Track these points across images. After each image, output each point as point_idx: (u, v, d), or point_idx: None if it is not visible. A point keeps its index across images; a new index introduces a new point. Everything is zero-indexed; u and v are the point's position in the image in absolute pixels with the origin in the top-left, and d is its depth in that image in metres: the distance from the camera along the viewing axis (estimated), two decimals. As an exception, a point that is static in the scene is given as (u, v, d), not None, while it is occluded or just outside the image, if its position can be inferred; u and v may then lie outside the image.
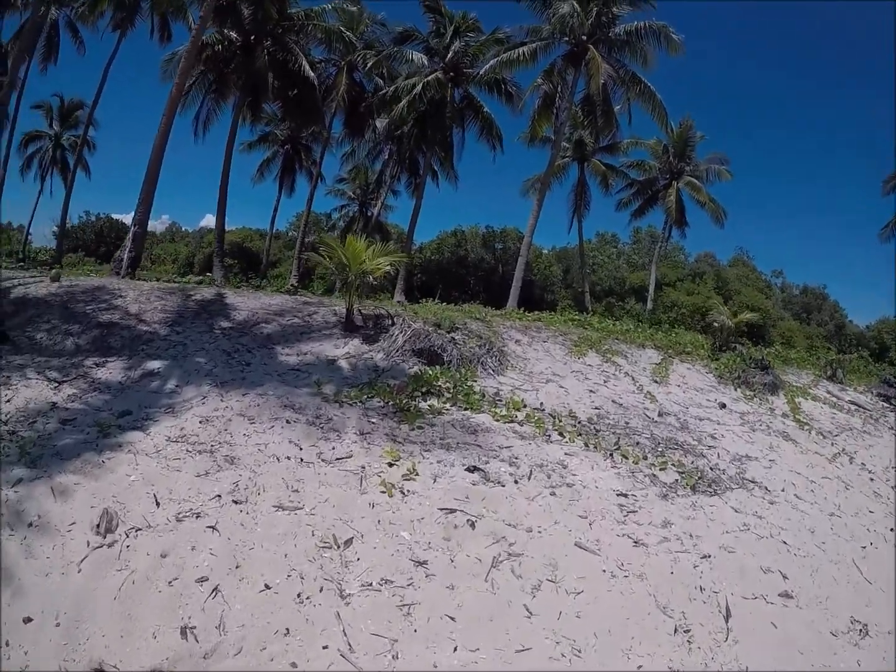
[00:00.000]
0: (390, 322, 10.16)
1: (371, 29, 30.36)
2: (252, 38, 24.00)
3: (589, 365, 10.64)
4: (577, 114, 29.88)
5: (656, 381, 10.50)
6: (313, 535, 4.71)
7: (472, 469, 5.94)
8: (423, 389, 7.83)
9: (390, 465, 5.79)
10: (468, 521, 5.01)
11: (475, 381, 8.67)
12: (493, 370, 9.37)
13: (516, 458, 6.35)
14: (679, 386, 10.58)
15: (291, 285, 21.86)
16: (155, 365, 8.13)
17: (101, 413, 6.76)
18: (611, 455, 6.84)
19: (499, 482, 5.76)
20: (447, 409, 7.53)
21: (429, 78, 27.17)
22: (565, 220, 42.54)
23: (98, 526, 4.64)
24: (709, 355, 12.69)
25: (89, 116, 33.68)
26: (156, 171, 15.51)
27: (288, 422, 6.47)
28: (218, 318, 10.01)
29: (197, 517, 4.83)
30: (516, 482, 5.82)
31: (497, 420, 7.40)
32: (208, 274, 24.90)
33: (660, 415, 8.82)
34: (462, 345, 9.57)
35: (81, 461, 5.53)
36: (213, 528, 4.71)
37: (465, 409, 7.62)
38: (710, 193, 37.11)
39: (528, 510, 5.34)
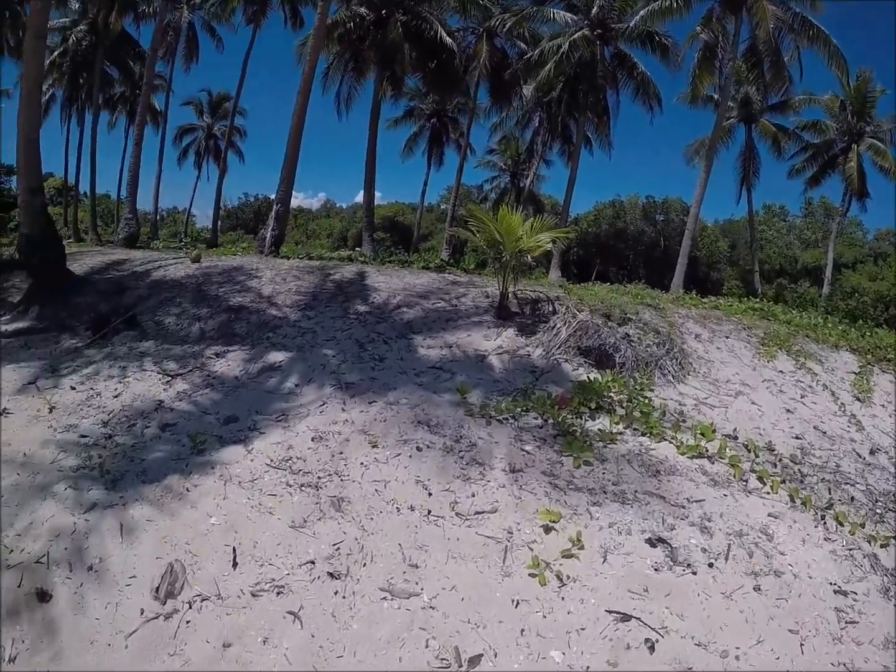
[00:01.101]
0: (551, 309, 8.23)
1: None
2: (383, 11, 22.63)
3: (780, 371, 8.06)
4: (741, 68, 26.04)
5: (858, 399, 7.76)
6: (428, 645, 3.17)
7: (656, 542, 4.06)
8: (592, 404, 5.89)
9: (546, 529, 4.02)
10: (646, 640, 3.26)
11: (652, 391, 6.60)
12: (673, 376, 7.16)
13: (709, 521, 4.41)
14: (884, 406, 7.77)
15: (441, 259, 20.52)
16: (277, 357, 6.83)
17: (205, 417, 5.66)
18: (822, 519, 4.74)
19: (688, 564, 3.89)
20: (621, 434, 5.57)
21: (575, 36, 24.53)
22: (730, 189, 38.10)
23: (158, 588, 3.53)
24: (916, 365, 9.49)
25: (234, 106, 34.76)
26: (295, 151, 14.57)
27: (419, 448, 4.83)
28: (355, 301, 8.58)
29: (279, 593, 3.46)
30: (711, 565, 3.93)
31: (683, 454, 5.36)
32: (358, 249, 24.33)
33: (871, 452, 6.31)
34: (637, 343, 7.44)
35: (163, 488, 4.49)
36: (295, 614, 3.33)
37: (644, 433, 5.61)
38: (896, 158, 31.21)
39: (726, 618, 3.51)
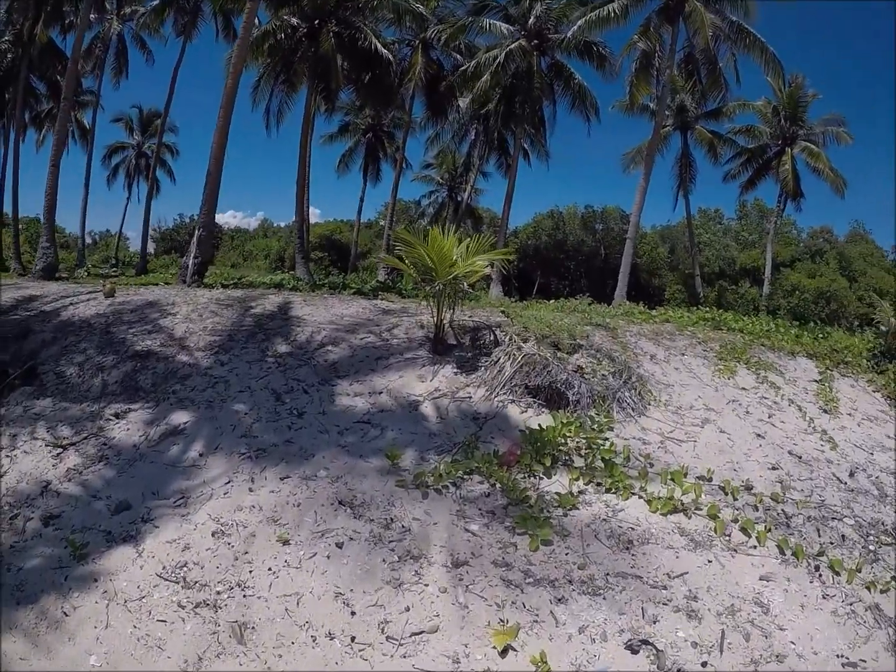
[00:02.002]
0: (492, 338, 7.53)
1: (443, 3, 27.52)
2: (315, 21, 21.62)
3: (743, 388, 7.52)
4: (677, 76, 26.24)
5: (826, 411, 7.29)
6: None
7: (638, 645, 3.39)
8: (546, 459, 5.14)
9: (502, 651, 3.25)
10: None
11: (612, 430, 5.91)
12: (633, 408, 6.49)
13: (696, 601, 3.77)
14: (850, 415, 7.34)
15: (378, 281, 19.64)
16: (182, 418, 5.90)
17: (95, 504, 4.79)
18: (817, 571, 4.20)
19: (679, 671, 3.22)
20: (582, 494, 4.86)
21: (511, 47, 24.13)
22: (667, 196, 38.34)
23: None
24: (871, 366, 9.18)
25: (162, 123, 33.32)
26: (217, 171, 13.53)
27: (339, 544, 4.01)
28: (275, 340, 7.69)
29: None
30: (705, 664, 3.30)
31: (656, 510, 4.68)
32: (291, 272, 23.25)
33: (850, 474, 5.84)
34: (591, 375, 6.79)
35: (38, 612, 3.69)
36: None
37: (608, 489, 4.91)
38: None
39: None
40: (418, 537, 4.14)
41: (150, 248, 60.74)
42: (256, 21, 22.94)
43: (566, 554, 4.15)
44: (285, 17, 21.60)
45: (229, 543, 4.05)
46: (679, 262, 39.33)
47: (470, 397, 6.48)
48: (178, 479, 4.92)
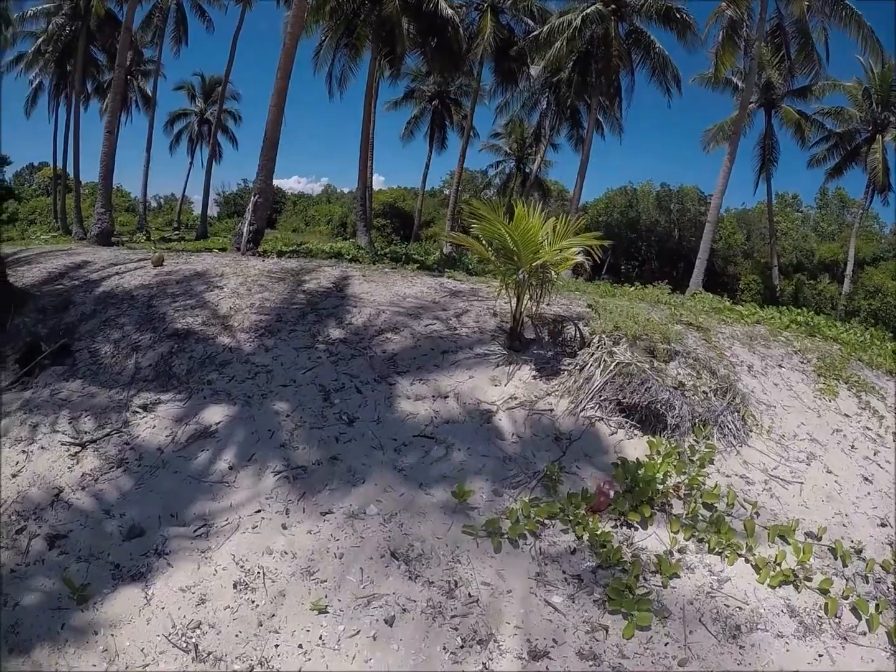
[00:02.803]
0: (576, 335, 6.38)
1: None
2: None
3: (846, 415, 6.32)
4: (764, 50, 23.87)
5: None
6: None
7: None
8: (644, 507, 4.11)
9: None
10: None
11: (712, 463, 4.88)
12: (735, 435, 5.35)
13: None
14: None
15: (442, 253, 18.62)
16: (214, 416, 5.01)
17: (106, 523, 4.01)
18: None
19: None
20: (683, 555, 3.89)
21: (588, 11, 22.28)
22: (744, 177, 35.47)
23: None
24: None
25: (222, 90, 32.78)
26: (275, 136, 12.57)
27: (388, 620, 3.09)
28: (328, 323, 6.73)
29: None
30: None
31: (763, 581, 3.78)
32: (353, 240, 22.43)
33: None
34: (691, 392, 5.62)
35: (30, 666, 3.08)
36: None
37: (712, 548, 3.95)
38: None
39: None
40: (488, 611, 3.14)
41: (214, 211, 61.46)
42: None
43: (665, 644, 3.23)
44: (346, -24, 20.39)
45: (253, 601, 3.14)
46: (754, 249, 36.43)
47: (552, 410, 5.38)
48: (201, 499, 4.03)
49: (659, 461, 4.56)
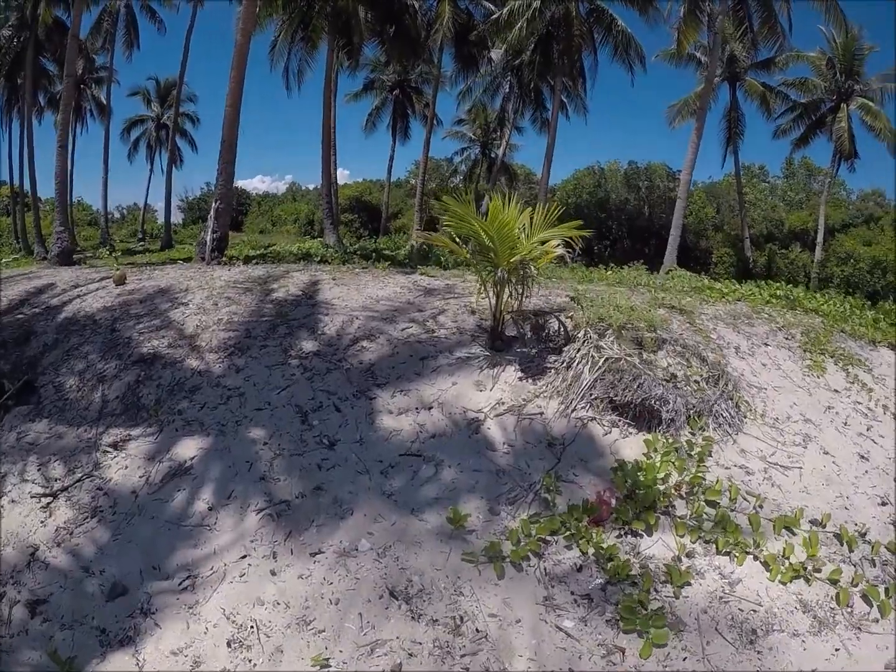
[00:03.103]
0: (559, 329, 6.19)
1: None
2: None
3: (835, 390, 6.33)
4: (726, 24, 23.76)
5: None
6: None
7: None
8: (649, 514, 3.94)
9: None
10: None
11: (711, 456, 4.74)
12: (730, 424, 5.22)
13: None
14: None
15: (412, 246, 18.25)
16: (188, 452, 4.73)
17: (87, 583, 3.81)
18: None
19: None
20: (692, 559, 3.76)
21: (546, -11, 22.00)
22: (712, 152, 35.50)
23: None
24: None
25: (178, 92, 32.02)
26: (232, 137, 12.13)
27: (394, 670, 2.87)
28: (300, 334, 6.43)
29: None
30: None
31: (774, 579, 3.69)
32: (320, 238, 21.98)
33: None
34: (683, 382, 5.46)
35: None
36: None
37: (720, 549, 3.82)
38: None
39: None
40: (498, 645, 2.96)
41: (179, 218, 60.23)
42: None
43: (684, 659, 3.11)
44: (300, -34, 19.77)
45: (250, 660, 2.92)
46: (724, 222, 36.37)
47: (542, 413, 5.18)
48: (183, 546, 3.77)
49: (658, 461, 4.40)
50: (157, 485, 4.45)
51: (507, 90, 30.49)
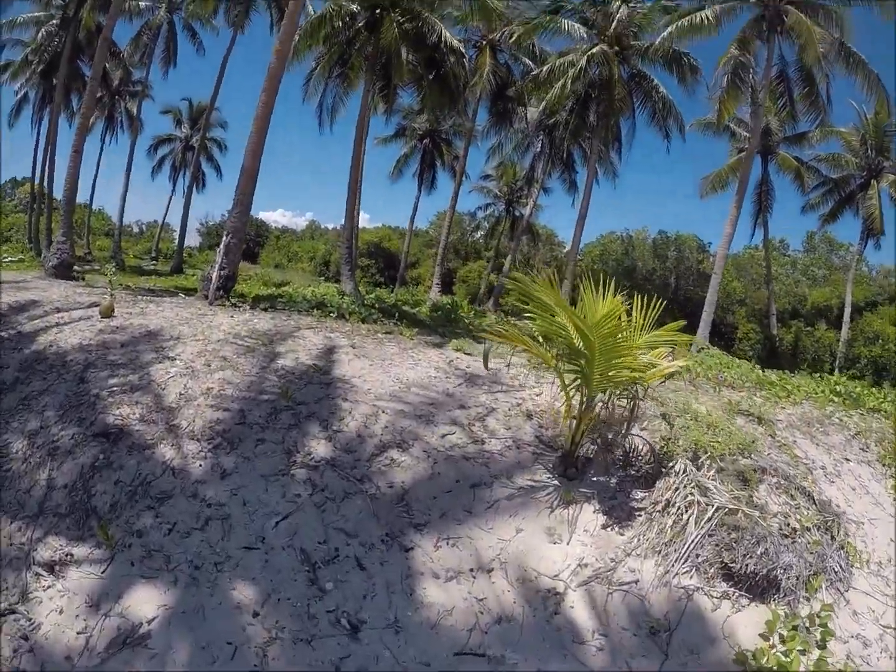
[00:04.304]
0: (641, 450, 4.77)
1: (513, 4, 24.67)
2: (377, 10, 18.80)
3: None
4: (757, 96, 23.29)
5: None
6: None
7: None
8: None
9: None
10: None
11: (833, 636, 3.41)
12: (840, 578, 4.24)
13: None
14: None
15: (434, 307, 16.92)
16: (146, 607, 3.33)
17: None
18: None
19: None
20: None
21: (594, 51, 21.18)
22: (740, 224, 34.24)
23: None
24: None
25: (207, 115, 31.11)
26: (254, 165, 10.84)
27: None
28: (309, 428, 4.96)
29: None
30: None
31: None
32: (337, 284, 20.73)
33: None
34: (799, 535, 4.27)
35: None
36: None
37: None
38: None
39: None
40: None
41: (196, 241, 59.34)
42: (311, 8, 20.71)
43: None
44: (344, 3, 18.95)
45: None
46: (747, 296, 35.49)
47: (637, 580, 3.75)
48: None
49: (784, 651, 3.15)
50: (99, 655, 2.96)
51: (539, 149, 29.68)
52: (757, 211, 30.23)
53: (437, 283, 25.91)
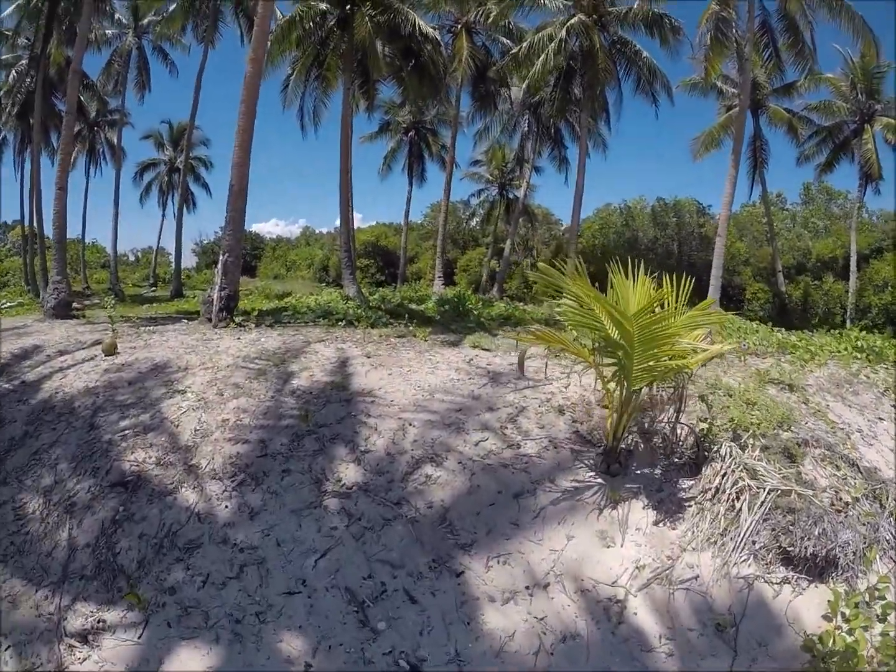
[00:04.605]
0: (682, 436, 4.55)
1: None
2: (347, 6, 18.36)
3: None
4: (743, 49, 22.85)
5: None
6: None
7: None
8: None
9: None
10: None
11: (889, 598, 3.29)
12: (894, 545, 4.04)
13: None
14: None
15: (437, 297, 16.65)
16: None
17: None
18: None
19: None
20: None
21: (572, 21, 20.71)
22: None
23: None
24: None
25: (188, 135, 30.68)
26: (242, 182, 10.55)
27: None
28: (335, 452, 4.72)
29: None
30: None
31: None
32: (339, 289, 20.46)
33: None
34: (853, 508, 4.13)
35: None
36: None
37: None
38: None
39: None
40: None
41: (192, 262, 59.14)
42: (279, 13, 20.33)
43: None
44: (312, 2, 18.51)
45: None
46: (751, 255, 34.80)
47: (696, 576, 3.54)
48: None
49: (847, 629, 3.08)
50: None
51: (526, 128, 29.22)
52: (753, 167, 29.65)
53: (440, 276, 25.58)
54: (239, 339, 8.39)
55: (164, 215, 43.20)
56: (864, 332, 10.15)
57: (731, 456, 4.29)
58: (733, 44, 21.09)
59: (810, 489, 4.14)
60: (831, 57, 38.71)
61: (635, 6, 20.47)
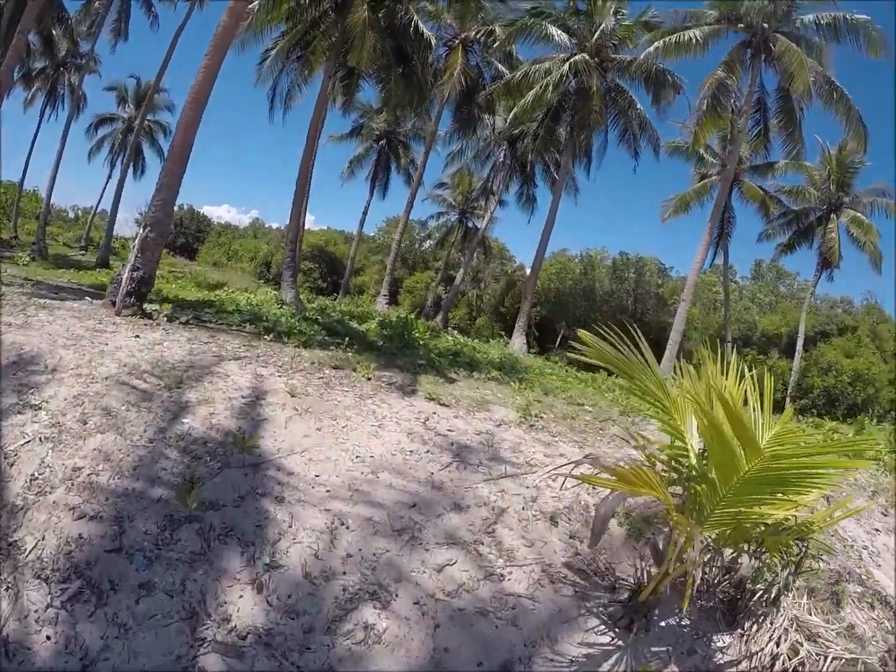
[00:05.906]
0: (715, 576, 3.24)
1: (490, 5, 23.17)
2: None
3: None
4: (737, 122, 22.81)
5: None
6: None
7: None
8: None
9: None
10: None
11: None
12: None
13: None
14: None
15: (379, 316, 15.08)
16: None
17: None
18: None
19: None
20: None
21: (576, 58, 19.83)
22: (688, 247, 33.67)
23: None
24: None
25: (151, 94, 28.05)
26: (186, 142, 8.64)
27: None
28: (228, 563, 3.14)
29: None
30: None
31: None
32: (276, 290, 18.65)
33: None
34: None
35: None
36: None
37: None
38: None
39: None
40: None
41: (133, 232, 55.22)
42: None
43: None
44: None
45: None
46: (701, 322, 34.90)
47: None
48: None
49: None
50: None
51: (501, 160, 28.22)
52: (718, 236, 29.78)
53: (385, 294, 23.96)
54: (137, 337, 6.53)
55: (110, 175, 39.10)
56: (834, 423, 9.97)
57: (773, 602, 3.01)
58: (728, 114, 20.90)
59: (860, 644, 2.98)
60: (810, 145, 39.85)
61: (641, 57, 19.78)
